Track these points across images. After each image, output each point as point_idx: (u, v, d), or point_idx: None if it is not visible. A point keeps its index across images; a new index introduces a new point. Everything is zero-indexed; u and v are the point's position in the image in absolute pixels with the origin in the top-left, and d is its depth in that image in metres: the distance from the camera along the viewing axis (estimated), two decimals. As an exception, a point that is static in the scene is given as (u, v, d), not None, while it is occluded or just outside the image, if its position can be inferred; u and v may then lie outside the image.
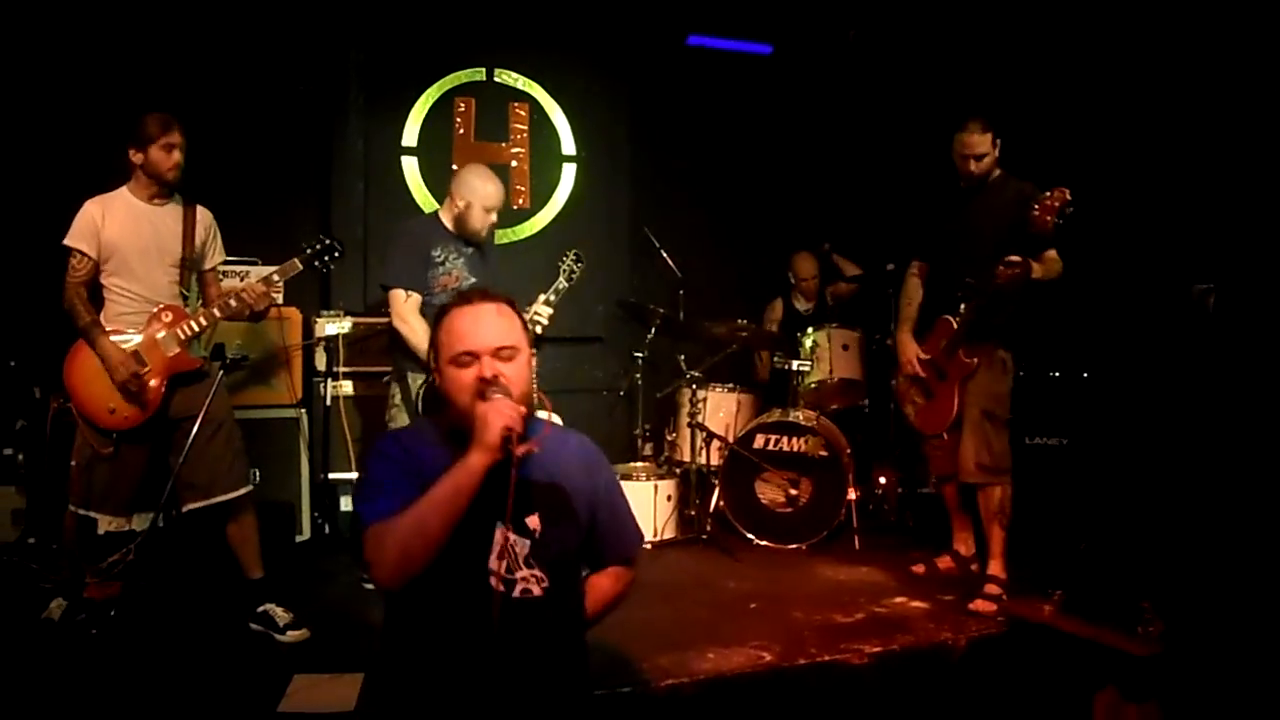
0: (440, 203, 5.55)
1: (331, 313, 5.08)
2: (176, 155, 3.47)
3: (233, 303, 3.56)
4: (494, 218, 4.22)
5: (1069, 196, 3.51)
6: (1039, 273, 3.73)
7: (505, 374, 1.89)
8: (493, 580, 1.84)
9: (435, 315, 2.01)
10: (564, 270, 4.27)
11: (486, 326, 1.92)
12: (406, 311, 3.97)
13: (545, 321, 4.19)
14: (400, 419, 4.08)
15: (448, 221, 4.19)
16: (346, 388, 5.00)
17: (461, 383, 1.90)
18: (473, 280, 4.18)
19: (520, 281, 4.67)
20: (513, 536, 1.89)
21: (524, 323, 2.02)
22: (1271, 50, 4.49)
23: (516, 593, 1.87)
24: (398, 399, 4.13)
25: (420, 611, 1.87)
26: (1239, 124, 4.67)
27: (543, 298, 4.20)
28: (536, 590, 1.89)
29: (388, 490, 1.83)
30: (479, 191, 4.12)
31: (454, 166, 5.75)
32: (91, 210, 3.44)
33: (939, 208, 4.20)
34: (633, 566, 2.19)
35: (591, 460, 2.11)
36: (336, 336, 4.96)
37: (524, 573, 1.89)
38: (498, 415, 1.80)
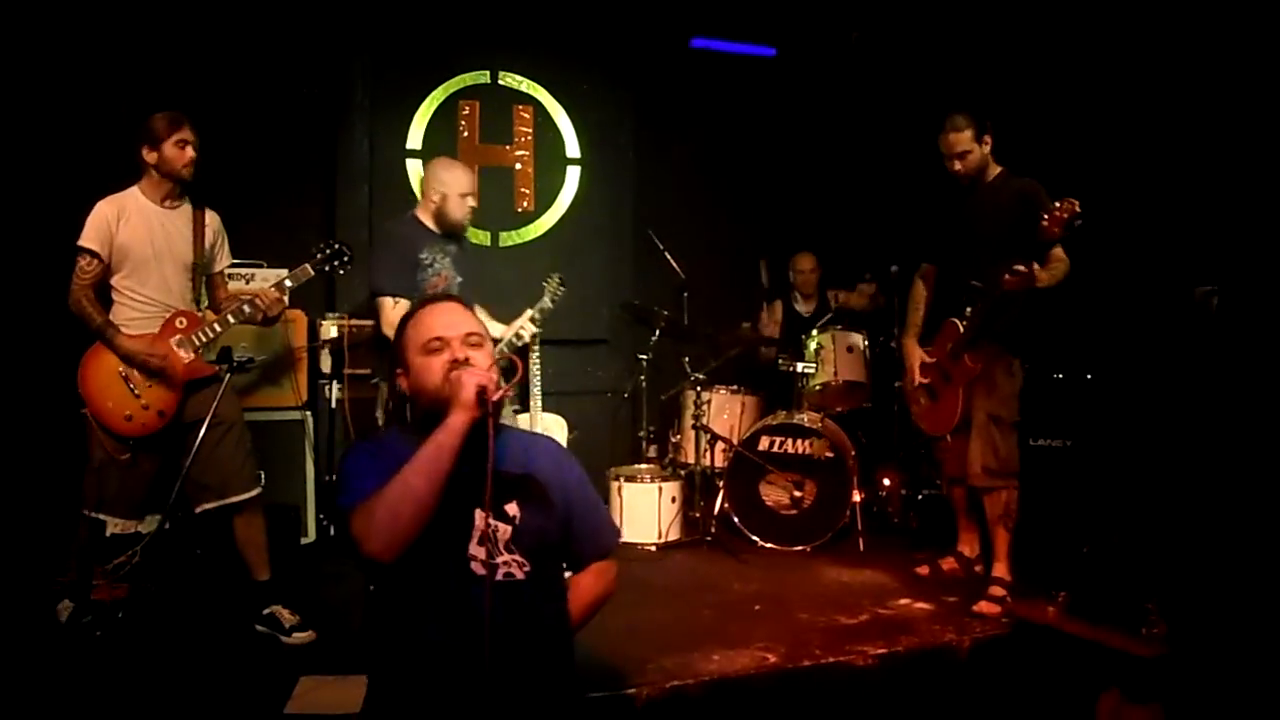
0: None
1: (336, 315, 5.10)
2: (190, 151, 3.47)
3: (246, 309, 3.57)
4: (472, 202, 4.21)
5: (1078, 209, 3.46)
6: (1045, 280, 3.71)
7: (475, 359, 1.98)
8: (474, 565, 1.88)
9: (400, 320, 2.11)
10: (549, 291, 4.37)
11: (455, 315, 2.04)
12: (396, 318, 3.98)
13: (528, 338, 4.34)
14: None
15: (428, 221, 4.16)
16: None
17: (432, 368, 1.98)
18: (460, 279, 4.18)
19: (524, 284, 4.71)
20: (493, 522, 1.92)
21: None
22: (1272, 51, 4.49)
23: (499, 576, 1.90)
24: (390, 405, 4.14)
25: (404, 600, 1.90)
26: (1241, 126, 4.67)
27: (529, 314, 4.31)
28: (519, 574, 1.92)
29: (364, 476, 1.89)
30: (449, 181, 4.13)
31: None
32: (105, 211, 3.43)
33: (941, 209, 4.20)
34: (612, 561, 2.21)
35: (560, 457, 2.17)
36: (341, 339, 4.97)
37: (505, 557, 1.92)
38: (471, 376, 1.89)
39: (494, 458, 1.87)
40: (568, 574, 2.17)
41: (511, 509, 1.96)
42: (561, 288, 4.42)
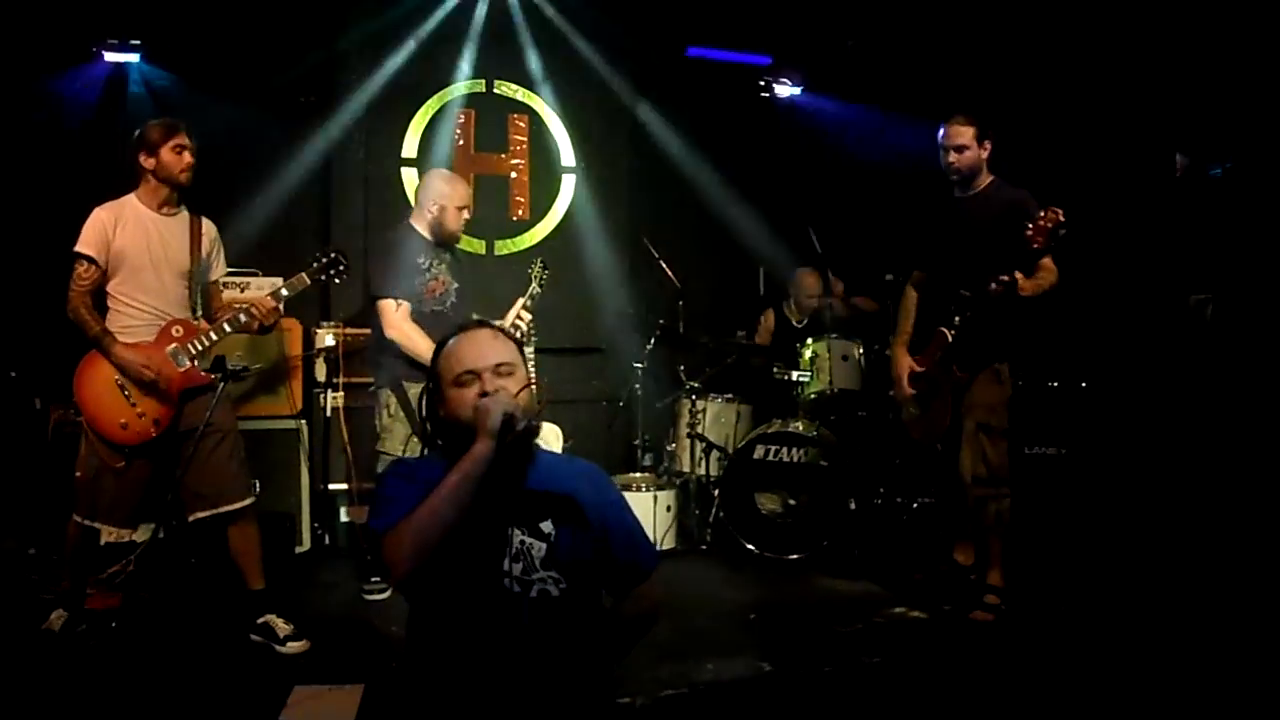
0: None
1: (331, 324, 5.10)
2: (187, 156, 3.48)
3: (242, 318, 3.57)
4: (468, 215, 4.27)
5: (1062, 218, 3.51)
6: (1029, 289, 3.71)
7: (506, 388, 1.97)
8: (508, 582, 1.90)
9: (435, 349, 2.10)
10: (535, 276, 4.48)
11: (485, 347, 2.03)
12: (400, 320, 4.01)
13: (525, 326, 4.39)
14: (395, 429, 4.05)
15: (422, 229, 4.18)
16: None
17: (464, 400, 1.97)
18: (456, 285, 4.20)
19: (520, 292, 4.70)
20: (528, 539, 1.95)
21: (519, 346, 2.11)
22: (1268, 55, 4.51)
23: (534, 593, 1.92)
24: (392, 409, 4.08)
25: (440, 617, 1.93)
26: (1236, 133, 4.69)
27: (521, 302, 4.40)
28: (554, 591, 1.93)
29: (396, 502, 1.90)
30: (448, 194, 4.16)
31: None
32: (103, 217, 3.43)
33: (933, 216, 4.21)
34: (653, 585, 2.20)
35: (598, 479, 2.17)
36: (336, 348, 4.97)
37: (540, 574, 1.94)
38: (497, 404, 1.90)
39: (527, 478, 1.94)
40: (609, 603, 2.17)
41: (547, 526, 1.98)
42: (546, 271, 4.51)
